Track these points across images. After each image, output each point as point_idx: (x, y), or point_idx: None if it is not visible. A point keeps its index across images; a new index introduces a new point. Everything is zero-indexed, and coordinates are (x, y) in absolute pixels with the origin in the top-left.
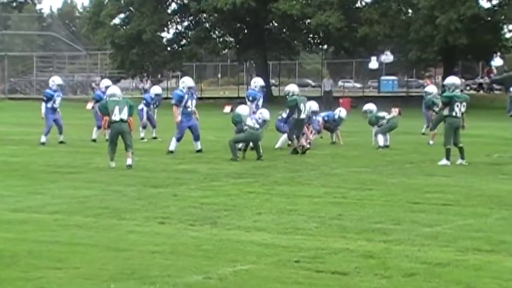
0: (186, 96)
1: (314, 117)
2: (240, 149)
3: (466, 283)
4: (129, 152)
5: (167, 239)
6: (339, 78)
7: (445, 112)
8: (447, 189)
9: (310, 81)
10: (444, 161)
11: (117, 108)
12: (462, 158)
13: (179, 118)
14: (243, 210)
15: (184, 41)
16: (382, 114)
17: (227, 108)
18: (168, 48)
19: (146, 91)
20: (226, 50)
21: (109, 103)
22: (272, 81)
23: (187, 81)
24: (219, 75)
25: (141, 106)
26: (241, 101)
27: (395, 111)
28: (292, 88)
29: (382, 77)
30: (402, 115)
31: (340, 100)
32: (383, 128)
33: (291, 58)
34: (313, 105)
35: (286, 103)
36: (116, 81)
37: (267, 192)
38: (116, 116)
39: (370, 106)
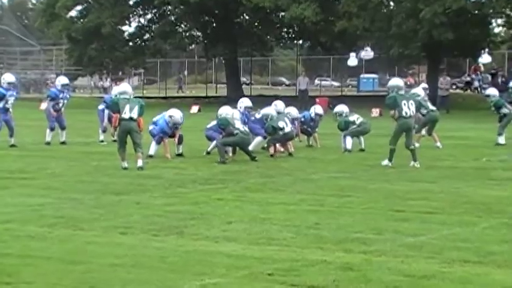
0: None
1: (294, 125)
2: (226, 152)
3: None
4: (138, 152)
5: (129, 250)
6: (315, 76)
7: (396, 114)
8: (432, 195)
9: (284, 80)
10: (386, 162)
11: (127, 107)
12: (415, 160)
13: None
14: (212, 218)
15: (147, 36)
16: (353, 118)
17: (194, 108)
18: (130, 43)
19: (106, 90)
20: (193, 46)
21: (120, 101)
22: (243, 79)
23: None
24: (186, 73)
25: (101, 107)
26: (209, 100)
27: (375, 112)
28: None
29: (362, 75)
30: (383, 116)
31: (317, 100)
32: (353, 131)
33: (264, 54)
34: (293, 111)
35: (265, 129)
36: (72, 79)
37: (238, 200)
38: (125, 114)
39: (341, 108)
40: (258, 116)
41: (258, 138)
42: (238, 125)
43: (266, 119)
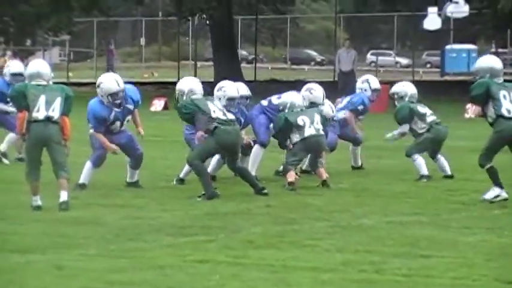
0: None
1: (333, 128)
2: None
3: None
4: (62, 178)
5: None
6: (368, 49)
7: (490, 114)
8: None
9: (313, 53)
10: (491, 193)
11: (42, 99)
12: None
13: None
14: None
15: None
16: (423, 109)
17: (158, 104)
18: None
19: (2, 70)
20: None
21: (29, 90)
22: (243, 52)
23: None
24: (143, 42)
25: None
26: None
27: (472, 110)
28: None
29: (449, 46)
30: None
31: None
32: (420, 143)
33: (279, 10)
34: (325, 108)
35: (274, 123)
36: None
37: (235, 262)
38: (39, 112)
39: (403, 87)
40: (276, 100)
41: (255, 150)
42: (217, 112)
43: (283, 108)
